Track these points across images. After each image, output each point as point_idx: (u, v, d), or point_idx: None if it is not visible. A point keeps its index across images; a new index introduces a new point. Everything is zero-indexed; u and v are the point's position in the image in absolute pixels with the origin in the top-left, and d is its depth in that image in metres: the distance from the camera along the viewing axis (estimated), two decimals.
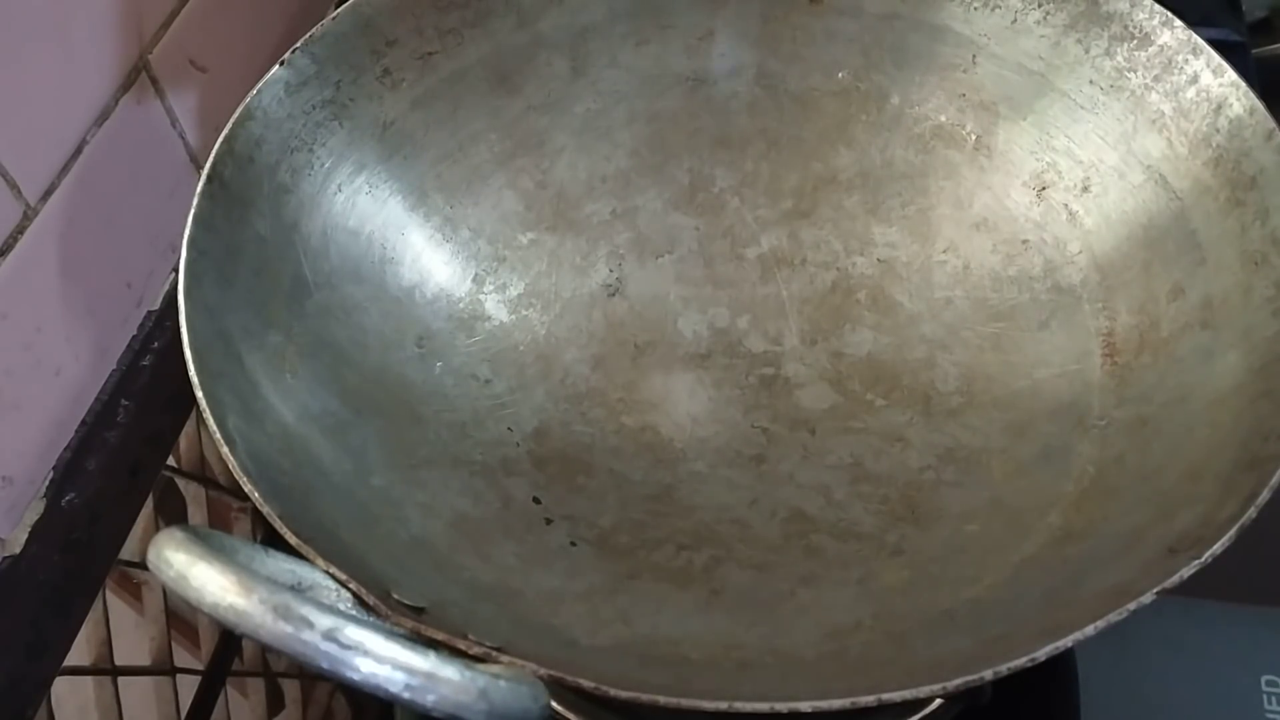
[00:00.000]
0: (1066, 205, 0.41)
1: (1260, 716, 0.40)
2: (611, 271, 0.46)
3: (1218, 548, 0.27)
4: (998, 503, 0.37)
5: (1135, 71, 0.39)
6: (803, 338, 0.44)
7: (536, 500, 0.39)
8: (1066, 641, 0.26)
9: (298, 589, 0.28)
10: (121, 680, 0.44)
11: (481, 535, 0.37)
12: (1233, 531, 0.27)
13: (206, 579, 0.23)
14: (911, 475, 0.40)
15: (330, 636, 0.22)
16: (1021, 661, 0.26)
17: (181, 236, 0.35)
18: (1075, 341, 0.40)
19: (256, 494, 0.30)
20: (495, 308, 0.45)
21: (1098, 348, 0.39)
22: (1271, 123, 0.35)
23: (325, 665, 0.22)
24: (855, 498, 0.39)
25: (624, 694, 0.26)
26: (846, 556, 0.38)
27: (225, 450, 0.30)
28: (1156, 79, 0.38)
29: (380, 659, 0.22)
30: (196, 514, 0.50)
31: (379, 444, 0.38)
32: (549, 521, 0.39)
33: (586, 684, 0.26)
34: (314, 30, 0.40)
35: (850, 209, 0.46)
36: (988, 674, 0.26)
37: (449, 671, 0.23)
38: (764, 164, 0.47)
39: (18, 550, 0.38)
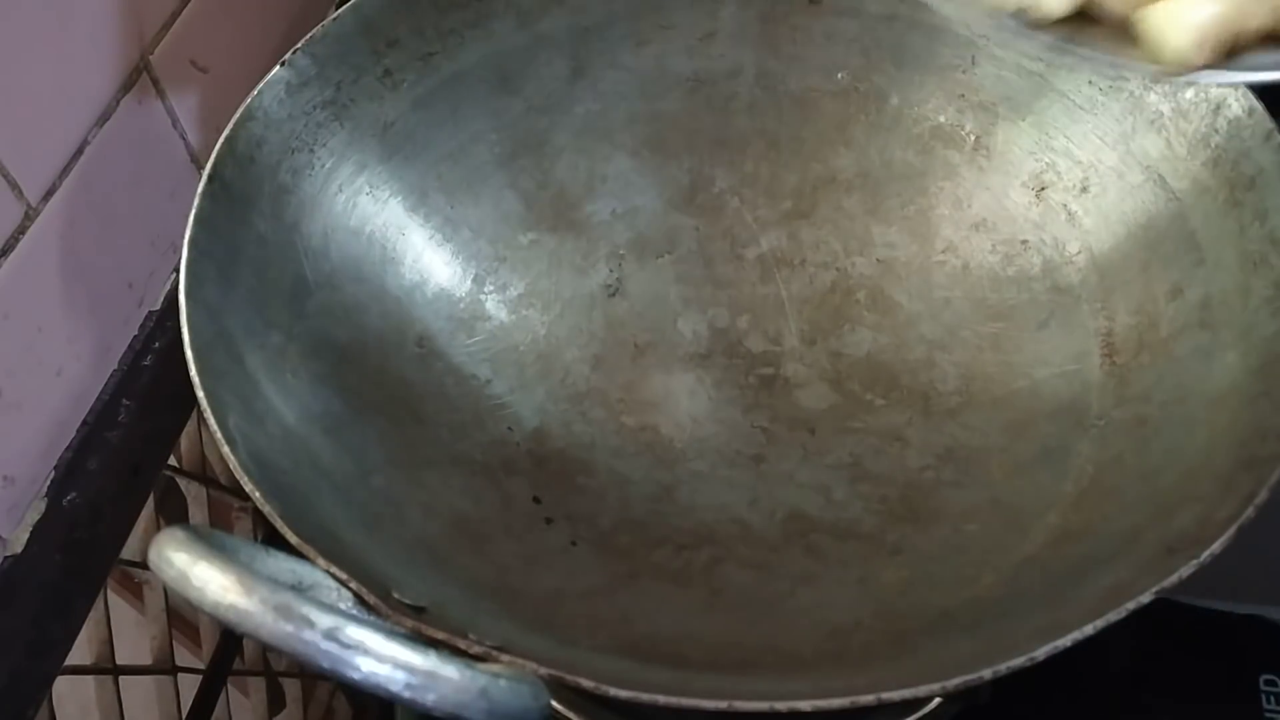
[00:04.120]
0: (1065, 205, 0.41)
1: (1259, 715, 0.40)
2: (611, 272, 0.46)
3: (1216, 547, 0.27)
4: (997, 502, 0.37)
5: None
6: (802, 338, 0.45)
7: (536, 500, 0.39)
8: (1065, 641, 0.26)
9: (298, 589, 0.28)
10: (123, 679, 0.44)
11: (482, 535, 0.37)
12: (1231, 531, 0.27)
13: (208, 578, 0.23)
14: (911, 475, 0.40)
15: (331, 636, 0.22)
16: (1020, 661, 0.26)
17: (183, 237, 0.35)
18: (1074, 341, 0.40)
19: (257, 493, 0.30)
20: (495, 308, 0.45)
21: (1096, 348, 0.39)
22: (1270, 123, 0.35)
23: (326, 665, 0.22)
24: (855, 497, 0.40)
25: (624, 693, 0.26)
26: (846, 556, 0.38)
27: (226, 450, 0.30)
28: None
29: (381, 658, 0.22)
30: (197, 513, 0.50)
31: (379, 444, 0.38)
32: (549, 521, 0.39)
33: (587, 683, 0.26)
34: (315, 31, 0.40)
35: (850, 209, 0.46)
36: (987, 673, 0.26)
37: (449, 671, 0.23)
38: (764, 164, 0.47)
39: (19, 550, 0.38)
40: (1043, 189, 0.42)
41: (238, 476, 0.30)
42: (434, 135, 0.44)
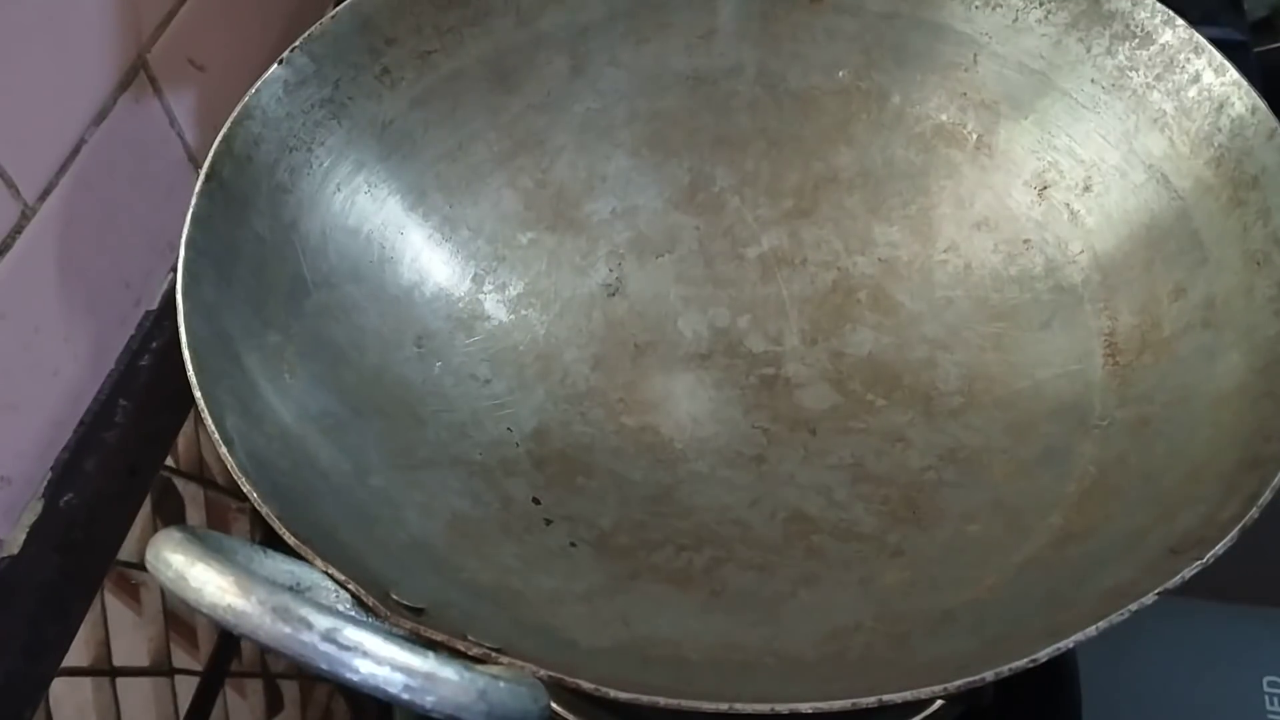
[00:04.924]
0: (1068, 204, 0.41)
1: (1262, 717, 0.40)
2: (611, 271, 0.46)
3: (1220, 548, 0.27)
4: (999, 503, 0.37)
5: (1137, 70, 0.39)
6: (803, 337, 0.44)
7: (536, 501, 0.39)
8: (1068, 642, 0.26)
9: (296, 590, 0.28)
10: (120, 681, 0.44)
11: (481, 536, 0.37)
12: (1235, 532, 0.27)
13: (205, 580, 0.23)
14: (912, 475, 0.40)
15: (329, 637, 0.22)
16: (1023, 662, 0.26)
17: (180, 236, 0.35)
18: (1077, 341, 0.39)
19: (255, 494, 0.30)
20: (494, 307, 0.45)
21: (1099, 347, 0.39)
22: (1274, 122, 0.35)
23: (324, 666, 0.22)
24: (856, 498, 0.39)
25: (624, 695, 0.26)
26: (847, 557, 0.37)
27: (224, 450, 0.30)
28: (1158, 78, 0.38)
29: (379, 660, 0.22)
30: (195, 514, 0.50)
31: (378, 444, 0.38)
32: (549, 522, 0.39)
33: (586, 685, 0.26)
34: (313, 29, 0.40)
35: (851, 208, 0.46)
36: (989, 675, 0.26)
37: (448, 672, 0.23)
38: (764, 163, 0.47)
39: (16, 551, 0.38)
40: (1045, 188, 0.42)
41: (235, 477, 0.30)
42: (432, 134, 0.44)
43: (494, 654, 0.27)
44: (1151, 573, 0.28)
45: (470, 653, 0.27)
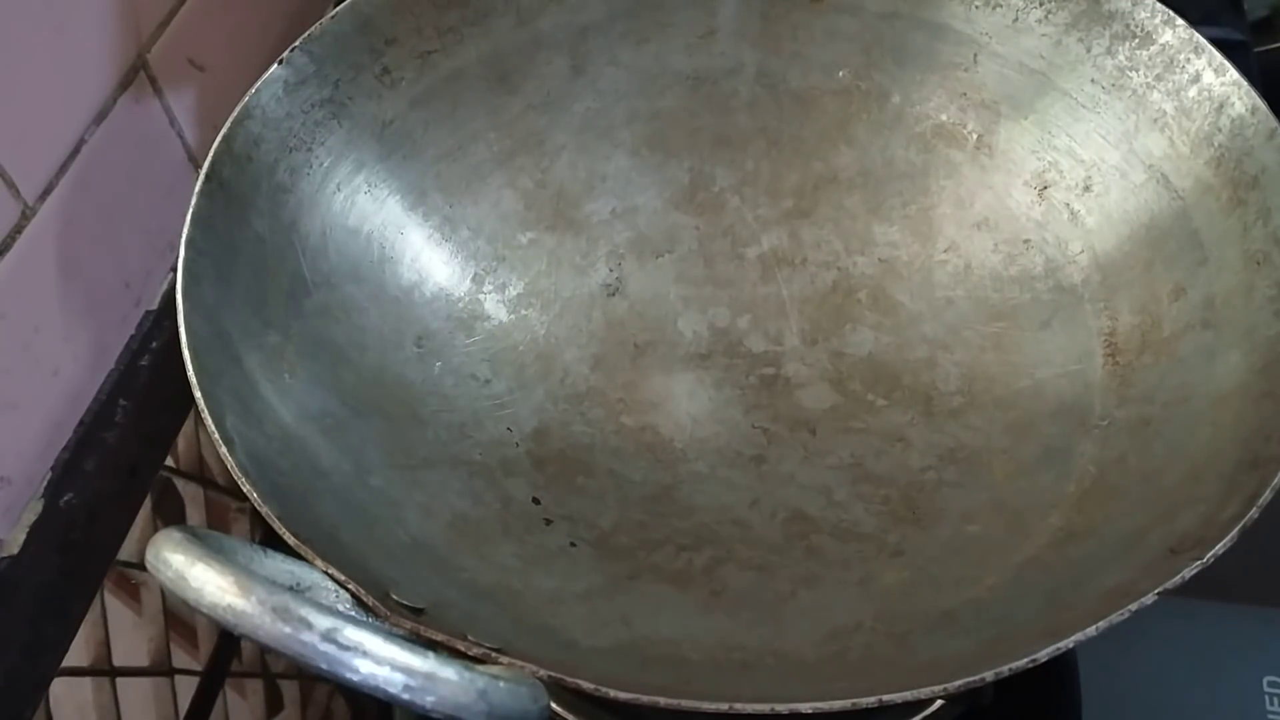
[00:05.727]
0: (1068, 204, 0.41)
1: (1262, 717, 0.40)
2: (611, 271, 0.46)
3: (1220, 548, 0.27)
4: (999, 503, 0.37)
5: (1137, 70, 0.39)
6: (803, 337, 0.44)
7: (536, 501, 0.39)
8: (1068, 642, 0.26)
9: (296, 590, 0.28)
10: (120, 681, 0.44)
11: (481, 536, 0.37)
12: (1235, 532, 0.27)
13: (205, 579, 0.23)
14: (912, 475, 0.40)
15: (329, 637, 0.22)
16: (1023, 662, 0.26)
17: (180, 236, 0.35)
18: (1077, 341, 0.39)
19: (255, 494, 0.29)
20: (494, 307, 0.45)
21: (1099, 347, 0.39)
22: (1273, 122, 0.35)
23: (324, 666, 0.22)
24: (856, 498, 0.39)
25: (624, 695, 0.26)
26: (847, 557, 0.37)
27: (224, 450, 0.30)
28: (1158, 78, 0.38)
29: (379, 660, 0.22)
30: (195, 514, 0.50)
31: (378, 444, 0.38)
32: (548, 522, 0.39)
33: (586, 685, 0.26)
34: (313, 29, 0.40)
35: (851, 208, 0.46)
36: (989, 675, 0.26)
37: (448, 672, 0.23)
38: (764, 163, 0.47)
39: (16, 551, 0.38)
40: (1045, 188, 0.42)
41: (235, 477, 0.30)
42: (432, 134, 0.44)
43: (494, 654, 0.27)
44: (1151, 573, 0.28)
45: (470, 653, 0.27)
